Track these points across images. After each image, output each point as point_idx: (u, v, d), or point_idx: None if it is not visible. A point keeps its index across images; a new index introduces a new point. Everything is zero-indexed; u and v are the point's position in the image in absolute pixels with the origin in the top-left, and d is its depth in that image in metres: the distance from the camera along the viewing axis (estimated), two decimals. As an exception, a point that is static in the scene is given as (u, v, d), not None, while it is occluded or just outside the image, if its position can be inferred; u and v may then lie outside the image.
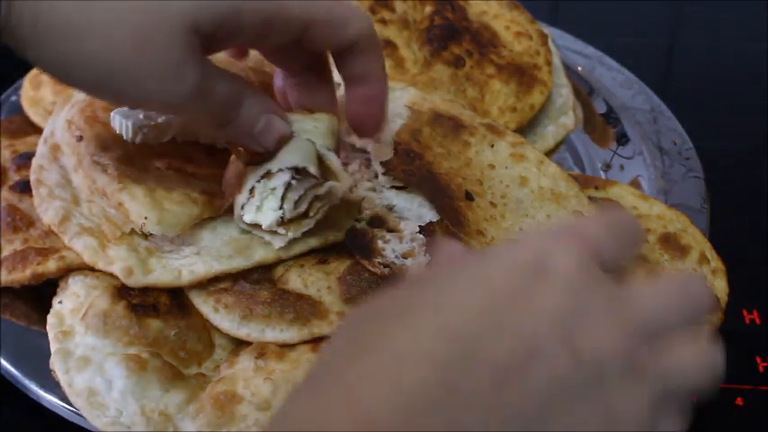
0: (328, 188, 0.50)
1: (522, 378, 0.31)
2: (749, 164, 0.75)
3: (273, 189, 0.50)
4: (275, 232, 0.51)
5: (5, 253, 0.53)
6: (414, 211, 0.55)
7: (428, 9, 0.70)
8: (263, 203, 0.50)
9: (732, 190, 0.69)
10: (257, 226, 0.51)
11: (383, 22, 0.68)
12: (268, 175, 0.50)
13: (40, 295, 0.53)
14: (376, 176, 0.57)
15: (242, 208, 0.51)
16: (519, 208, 0.56)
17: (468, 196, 0.54)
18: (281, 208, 0.50)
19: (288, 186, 0.50)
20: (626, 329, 0.33)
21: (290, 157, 0.49)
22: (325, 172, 0.51)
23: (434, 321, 0.32)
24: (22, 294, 0.53)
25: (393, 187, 0.56)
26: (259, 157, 0.50)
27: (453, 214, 0.53)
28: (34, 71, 0.69)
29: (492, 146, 0.59)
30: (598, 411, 0.32)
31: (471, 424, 0.30)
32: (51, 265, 0.51)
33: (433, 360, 0.31)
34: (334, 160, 0.50)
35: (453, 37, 0.68)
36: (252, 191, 0.50)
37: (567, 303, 0.33)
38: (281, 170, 0.49)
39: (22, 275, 0.52)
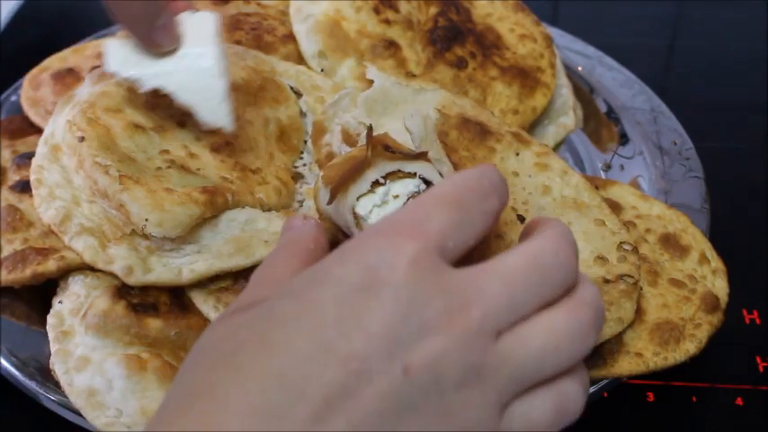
0: None
1: (352, 403, 0.31)
2: (749, 164, 0.75)
3: (396, 196, 0.46)
4: None
5: (5, 253, 0.53)
6: None
7: (433, 10, 0.69)
8: (382, 206, 0.46)
9: (732, 190, 0.69)
10: (361, 219, 0.47)
11: (387, 22, 0.67)
12: (394, 175, 0.46)
13: (40, 295, 0.53)
14: None
15: (357, 199, 0.47)
16: (540, 215, 0.56)
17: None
18: None
19: (411, 197, 0.46)
20: (465, 332, 0.32)
21: (425, 167, 0.46)
22: None
23: (263, 366, 0.32)
24: (22, 294, 0.53)
25: None
26: (398, 149, 0.47)
27: None
28: (34, 71, 0.69)
29: (517, 154, 0.59)
30: (437, 422, 0.32)
31: None
32: (51, 265, 0.51)
33: (259, 410, 0.31)
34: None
35: (457, 38, 0.67)
36: (374, 186, 0.46)
37: (397, 318, 0.32)
38: (410, 175, 0.46)
39: (22, 275, 0.52)
